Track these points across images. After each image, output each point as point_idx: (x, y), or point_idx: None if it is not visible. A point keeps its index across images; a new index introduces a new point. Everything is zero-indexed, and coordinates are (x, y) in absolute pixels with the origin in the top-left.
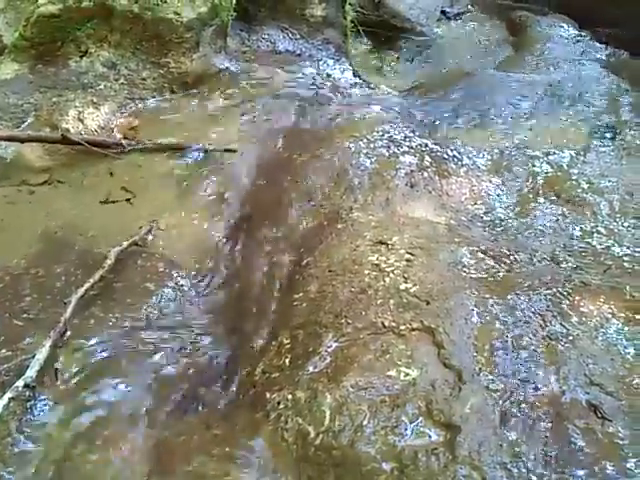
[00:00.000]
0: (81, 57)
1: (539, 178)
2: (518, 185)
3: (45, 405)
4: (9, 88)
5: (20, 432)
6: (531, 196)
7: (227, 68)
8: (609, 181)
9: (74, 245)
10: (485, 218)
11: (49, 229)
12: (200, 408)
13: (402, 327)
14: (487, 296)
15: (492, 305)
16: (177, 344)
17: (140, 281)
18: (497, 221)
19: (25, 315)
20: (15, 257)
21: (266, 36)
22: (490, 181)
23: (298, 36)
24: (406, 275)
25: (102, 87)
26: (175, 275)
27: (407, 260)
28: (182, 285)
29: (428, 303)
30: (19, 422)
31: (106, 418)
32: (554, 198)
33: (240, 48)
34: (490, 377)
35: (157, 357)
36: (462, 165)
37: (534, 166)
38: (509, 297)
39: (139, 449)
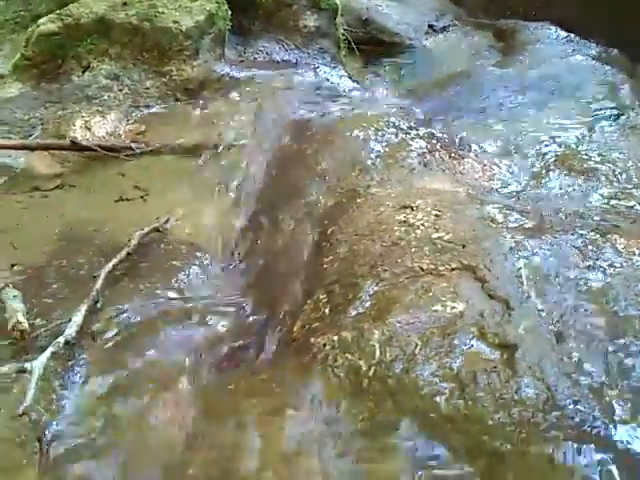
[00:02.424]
0: (83, 72)
1: (548, 156)
2: (529, 164)
3: (85, 364)
4: (15, 104)
5: (63, 388)
6: (544, 172)
7: (228, 74)
8: (620, 153)
9: (93, 239)
10: (502, 191)
11: (66, 228)
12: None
13: (441, 268)
14: (522, 237)
15: (529, 244)
16: (209, 312)
17: (165, 261)
18: (514, 193)
19: (53, 296)
20: (35, 254)
21: (262, 48)
22: (501, 162)
23: (293, 46)
24: (437, 226)
25: (106, 98)
26: (199, 255)
27: (435, 216)
28: (207, 264)
29: (464, 246)
30: (62, 379)
31: (147, 374)
32: (567, 171)
33: (237, 59)
34: (539, 304)
35: (191, 322)
36: (471, 150)
37: (542, 147)
38: (544, 237)
39: (183, 400)
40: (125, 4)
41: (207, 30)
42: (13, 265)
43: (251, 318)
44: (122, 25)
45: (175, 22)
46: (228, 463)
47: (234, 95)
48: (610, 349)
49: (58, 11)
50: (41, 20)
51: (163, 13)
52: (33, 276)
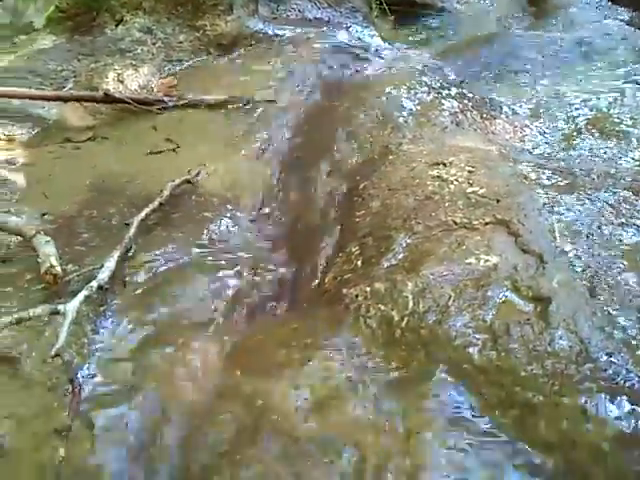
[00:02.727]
0: (117, 25)
1: (580, 119)
2: (560, 126)
3: (117, 310)
4: (48, 56)
5: (95, 333)
6: (575, 134)
7: (261, 30)
8: None
9: (124, 191)
10: (534, 152)
11: (97, 178)
12: (273, 316)
13: (475, 222)
14: (555, 194)
15: (562, 201)
16: (241, 262)
17: (197, 212)
18: (545, 154)
19: (85, 245)
20: (66, 204)
21: (294, 6)
22: (532, 124)
23: (326, 5)
24: (470, 182)
25: (139, 51)
26: (230, 208)
27: (469, 171)
28: (239, 217)
29: (498, 201)
30: (94, 324)
31: (178, 322)
32: (598, 134)
33: (270, 16)
34: (572, 259)
35: (223, 272)
36: (502, 112)
37: (573, 110)
38: (577, 195)
39: (214, 348)
40: None
41: None
42: (44, 214)
43: (282, 269)
44: None
45: None
46: (259, 410)
47: (267, 51)
48: None
49: None
50: None
51: None
52: (64, 225)
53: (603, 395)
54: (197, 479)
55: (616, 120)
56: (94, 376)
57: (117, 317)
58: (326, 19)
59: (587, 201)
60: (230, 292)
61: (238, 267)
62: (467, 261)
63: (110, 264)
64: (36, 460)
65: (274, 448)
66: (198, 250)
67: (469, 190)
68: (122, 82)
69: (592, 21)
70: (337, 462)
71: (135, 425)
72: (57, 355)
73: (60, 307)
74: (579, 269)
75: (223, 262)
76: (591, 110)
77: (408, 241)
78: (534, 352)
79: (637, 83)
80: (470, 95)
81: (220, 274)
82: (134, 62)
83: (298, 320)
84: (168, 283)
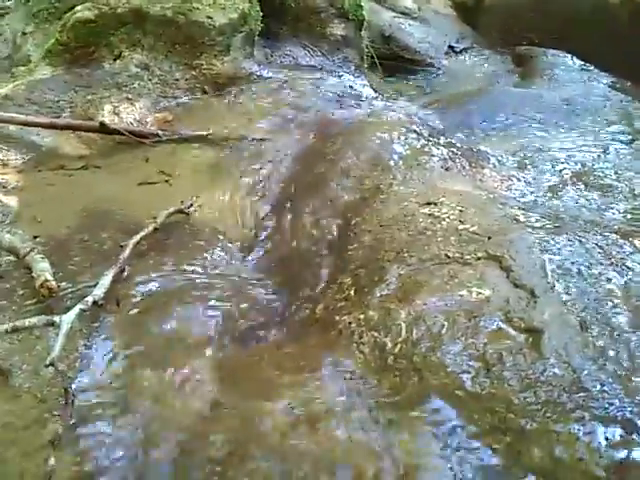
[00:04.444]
0: (115, 60)
1: (565, 172)
2: (546, 179)
3: (110, 327)
4: (45, 86)
5: (88, 349)
6: (560, 186)
7: (257, 72)
8: (636, 172)
9: (116, 217)
10: (520, 200)
11: (90, 204)
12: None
13: (467, 257)
14: (545, 234)
15: (552, 240)
16: (233, 289)
17: (189, 240)
18: (532, 203)
19: (77, 265)
20: (58, 227)
21: (288, 52)
22: (518, 175)
23: (319, 53)
24: (462, 219)
25: (136, 86)
26: (223, 238)
27: (460, 211)
28: (231, 247)
29: (489, 238)
30: (87, 340)
31: (170, 342)
32: (583, 187)
33: (265, 60)
34: (563, 294)
35: (216, 297)
36: (489, 162)
37: (558, 164)
38: (567, 235)
39: (208, 369)
40: None
41: (239, 28)
42: (35, 237)
43: (273, 298)
44: (157, 17)
45: (209, 17)
46: (252, 430)
47: (261, 92)
48: (634, 339)
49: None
50: (78, 7)
51: (198, 9)
52: (56, 247)
53: (596, 423)
54: None
55: (600, 174)
56: (86, 390)
57: (110, 334)
58: (319, 67)
59: (576, 242)
60: (222, 317)
61: (229, 293)
62: (460, 293)
63: (105, 281)
64: (26, 469)
65: (266, 467)
66: (190, 275)
67: (461, 227)
68: (117, 115)
69: (576, 82)
70: None
71: (124, 443)
72: (51, 364)
73: (56, 318)
74: (570, 304)
75: (215, 288)
76: (576, 164)
77: (401, 272)
78: (527, 380)
79: (621, 141)
80: (458, 144)
81: (211, 299)
82: (130, 96)
83: (290, 345)
84: (161, 305)
